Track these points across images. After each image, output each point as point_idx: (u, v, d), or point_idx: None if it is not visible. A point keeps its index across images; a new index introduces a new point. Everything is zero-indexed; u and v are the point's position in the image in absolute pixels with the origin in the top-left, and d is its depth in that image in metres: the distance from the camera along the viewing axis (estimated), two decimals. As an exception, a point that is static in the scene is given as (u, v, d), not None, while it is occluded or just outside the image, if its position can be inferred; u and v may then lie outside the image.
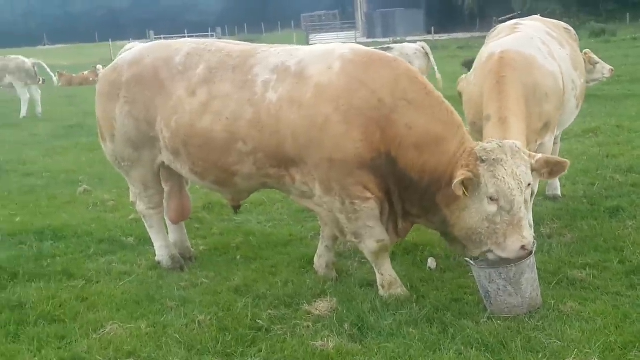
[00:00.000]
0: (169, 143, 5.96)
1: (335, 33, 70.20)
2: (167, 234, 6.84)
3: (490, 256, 5.25)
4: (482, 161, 5.10)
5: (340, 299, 5.56)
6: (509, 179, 5.06)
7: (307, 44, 55.46)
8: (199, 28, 70.73)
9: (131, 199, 6.75)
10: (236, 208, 6.52)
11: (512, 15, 59.73)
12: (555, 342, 4.67)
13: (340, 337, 4.94)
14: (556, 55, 6.77)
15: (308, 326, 5.16)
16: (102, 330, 5.23)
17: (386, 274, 5.66)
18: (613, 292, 5.46)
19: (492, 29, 8.00)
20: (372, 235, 5.53)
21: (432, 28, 59.37)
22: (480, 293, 5.37)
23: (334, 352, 4.74)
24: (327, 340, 4.86)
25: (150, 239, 7.22)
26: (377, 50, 5.85)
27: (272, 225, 8.07)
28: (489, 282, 5.22)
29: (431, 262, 6.41)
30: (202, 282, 6.23)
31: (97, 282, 6.32)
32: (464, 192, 5.05)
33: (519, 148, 5.19)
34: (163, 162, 6.27)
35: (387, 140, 5.27)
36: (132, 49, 6.40)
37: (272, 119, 5.50)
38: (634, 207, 7.50)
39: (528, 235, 5.15)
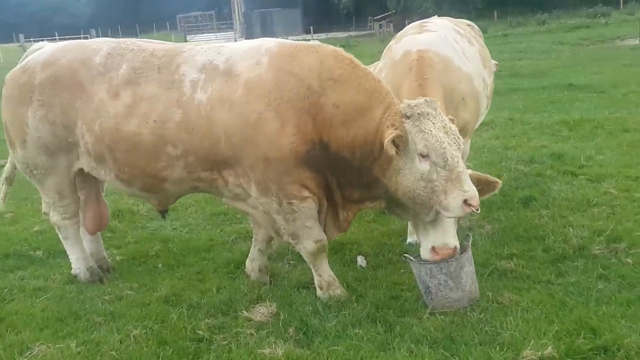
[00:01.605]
0: (92, 149, 5.62)
1: (213, 34, 69.49)
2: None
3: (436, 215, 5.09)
4: (407, 117, 4.96)
5: (280, 303, 5.43)
6: (438, 131, 4.88)
7: (185, 43, 54.41)
8: (70, 31, 68.00)
9: (43, 209, 6.33)
10: (163, 213, 6.23)
11: (387, 14, 61.51)
12: (502, 332, 4.72)
13: (286, 343, 4.81)
14: (468, 54, 6.67)
15: (251, 334, 5.00)
16: (29, 353, 4.86)
17: (324, 275, 5.56)
18: (544, 280, 5.61)
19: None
20: (310, 236, 5.42)
21: (311, 28, 59.73)
22: (420, 289, 5.37)
23: (284, 359, 4.61)
24: (275, 347, 4.72)
25: (62, 251, 6.85)
26: (302, 42, 5.72)
27: (189, 231, 7.80)
28: (430, 278, 5.23)
29: (361, 260, 6.38)
30: (127, 294, 5.92)
31: (11, 300, 5.88)
32: (397, 152, 4.90)
33: None
34: (81, 169, 5.91)
35: (318, 126, 5.15)
36: (43, 49, 5.97)
37: (203, 120, 5.28)
38: (545, 196, 7.77)
39: (470, 188, 4.89)
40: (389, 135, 4.90)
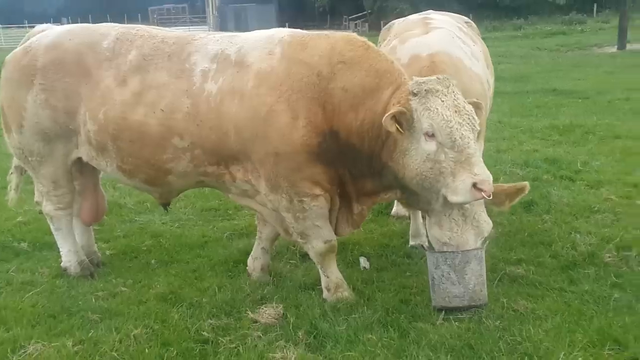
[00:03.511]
0: (95, 137, 5.34)
1: (187, 27, 68.82)
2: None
3: (447, 203, 4.78)
4: (414, 94, 4.67)
5: (286, 304, 5.20)
6: (446, 110, 4.58)
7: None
8: (40, 19, 66.82)
9: (36, 198, 6.01)
10: (165, 206, 5.97)
11: (362, 13, 61.41)
12: (523, 342, 4.55)
13: (297, 347, 4.59)
14: (475, 53, 6.36)
15: (259, 336, 4.76)
16: (22, 351, 4.59)
17: (332, 276, 5.34)
18: (556, 288, 5.44)
19: (390, 23, 7.54)
20: (320, 236, 5.19)
21: (287, 24, 59.37)
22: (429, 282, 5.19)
23: (297, 364, 4.38)
24: (286, 351, 4.49)
25: (48, 243, 6.65)
26: (316, 31, 5.48)
27: (180, 226, 7.53)
28: (435, 268, 5.04)
29: (364, 262, 6.18)
30: (121, 291, 5.65)
31: (-2, 295, 5.57)
32: (398, 129, 4.61)
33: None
34: (79, 158, 5.62)
35: (328, 115, 4.89)
36: (47, 32, 5.66)
37: (212, 113, 5.04)
38: (545, 201, 7.63)
39: (481, 171, 4.56)
40: (389, 110, 4.64)
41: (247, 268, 5.91)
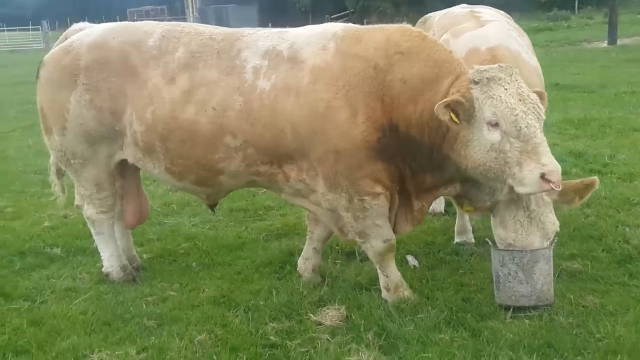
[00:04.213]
0: (142, 138, 5.15)
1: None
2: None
3: (514, 194, 4.63)
4: (475, 83, 4.51)
5: (348, 306, 5.03)
6: (509, 98, 4.41)
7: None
8: (17, 22, 66.11)
9: (76, 202, 5.80)
10: (212, 207, 5.79)
11: (344, 12, 61.30)
12: (603, 339, 4.43)
13: (370, 350, 4.43)
14: (530, 47, 6.23)
15: (327, 339, 4.59)
16: (87, 362, 4.38)
17: (392, 276, 5.19)
18: (618, 282, 5.34)
19: (424, 18, 7.37)
20: (379, 235, 5.05)
21: (270, 24, 59.16)
22: (493, 279, 5.08)
23: (375, 367, 4.23)
24: (361, 354, 4.34)
25: (81, 248, 6.62)
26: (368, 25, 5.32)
27: (212, 228, 7.34)
28: (501, 266, 4.92)
29: (412, 260, 6.04)
30: (169, 295, 5.48)
31: (43, 302, 5.39)
32: (452, 118, 4.45)
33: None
34: (123, 160, 5.44)
35: (386, 108, 4.74)
36: (88, 30, 5.46)
37: (266, 110, 4.87)
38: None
39: (549, 161, 4.37)
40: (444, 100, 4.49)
41: (297, 269, 5.74)
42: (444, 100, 4.45)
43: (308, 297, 5.26)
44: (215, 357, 4.39)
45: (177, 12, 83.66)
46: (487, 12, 6.63)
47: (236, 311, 5.08)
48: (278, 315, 4.99)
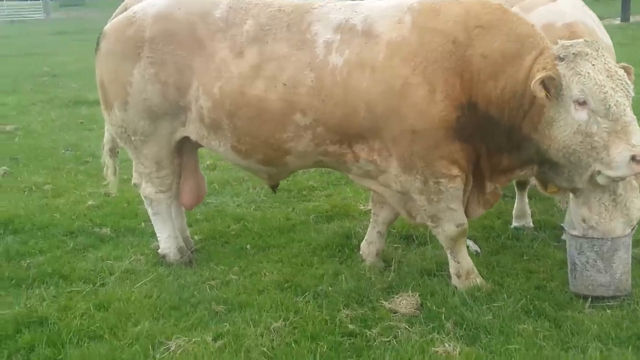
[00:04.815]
0: (209, 114, 4.99)
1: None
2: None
3: (601, 179, 4.42)
4: (561, 59, 4.36)
5: (420, 293, 4.90)
6: (598, 74, 4.24)
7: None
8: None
9: (134, 180, 5.66)
10: (274, 187, 5.65)
11: None
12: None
13: (454, 340, 4.30)
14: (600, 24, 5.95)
15: (406, 328, 4.47)
16: (164, 348, 4.26)
17: (463, 262, 5.06)
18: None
19: None
20: (452, 219, 4.91)
21: None
22: (568, 266, 4.96)
23: (462, 359, 4.10)
24: (447, 345, 4.20)
25: (130, 228, 6.57)
26: None
27: (257, 209, 7.21)
28: (578, 253, 4.80)
29: (473, 245, 5.89)
30: (232, 279, 5.35)
31: (104, 285, 5.26)
32: (547, 95, 4.31)
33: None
34: (185, 137, 5.28)
35: (465, 85, 4.57)
36: (151, 1, 5.26)
37: (339, 87, 4.71)
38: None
39: (639, 141, 4.23)
40: (537, 75, 4.32)
41: (360, 253, 5.62)
42: (538, 77, 4.29)
43: (377, 283, 5.13)
44: (295, 346, 4.26)
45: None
46: None
47: (305, 297, 4.94)
48: (349, 302, 4.86)
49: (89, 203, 7.12)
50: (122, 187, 7.45)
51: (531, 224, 6.27)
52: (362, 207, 6.95)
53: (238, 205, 7.32)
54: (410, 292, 4.89)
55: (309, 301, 4.87)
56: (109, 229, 6.44)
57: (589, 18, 5.61)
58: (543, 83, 4.30)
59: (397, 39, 4.68)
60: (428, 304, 4.75)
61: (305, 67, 4.78)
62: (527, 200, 6.26)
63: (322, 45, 4.80)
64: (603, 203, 4.69)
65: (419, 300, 4.80)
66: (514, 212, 6.35)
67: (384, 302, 4.80)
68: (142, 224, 6.55)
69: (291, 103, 4.80)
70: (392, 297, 4.86)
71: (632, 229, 4.80)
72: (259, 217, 6.85)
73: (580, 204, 4.80)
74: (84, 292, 5.07)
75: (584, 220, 4.78)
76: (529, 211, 6.30)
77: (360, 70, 4.69)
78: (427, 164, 4.71)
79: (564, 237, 5.88)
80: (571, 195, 4.91)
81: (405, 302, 4.77)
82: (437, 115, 4.57)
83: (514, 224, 6.32)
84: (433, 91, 4.56)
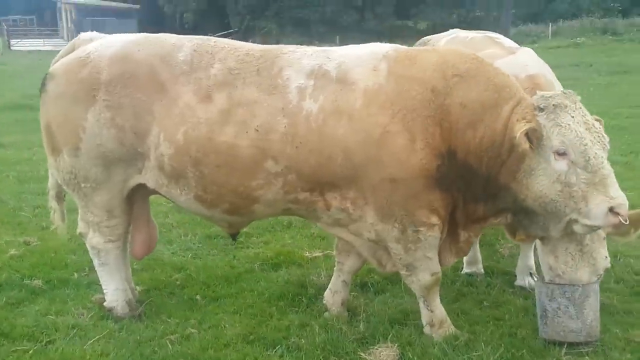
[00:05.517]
0: (170, 162, 4.68)
1: (41, 39, 65.85)
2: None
3: (577, 228, 4.43)
4: (541, 110, 4.39)
5: (399, 343, 4.73)
6: (577, 126, 4.29)
7: (9, 48, 51.13)
8: None
9: (80, 229, 5.19)
10: (234, 236, 5.34)
11: (228, 31, 60.77)
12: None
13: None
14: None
15: (391, 381, 4.28)
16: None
17: (437, 311, 4.95)
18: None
19: (422, 40, 7.36)
20: (428, 268, 4.80)
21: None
22: (537, 312, 4.95)
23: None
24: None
25: (61, 279, 6.09)
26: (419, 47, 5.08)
27: (195, 256, 6.85)
28: (549, 300, 4.80)
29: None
30: (191, 333, 4.99)
31: (51, 342, 4.78)
32: (531, 146, 4.31)
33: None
34: (139, 185, 4.95)
35: (445, 134, 4.50)
36: (105, 41, 4.93)
37: (314, 134, 4.53)
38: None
39: (617, 194, 4.26)
40: (520, 127, 4.32)
41: (324, 302, 5.40)
42: (523, 129, 4.29)
43: (349, 334, 4.92)
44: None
45: (47, 23, 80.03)
46: (502, 37, 6.60)
47: (276, 350, 4.69)
48: (327, 354, 4.64)
49: (11, 253, 6.52)
50: (44, 236, 6.95)
51: (482, 270, 6.26)
52: (307, 255, 6.73)
53: (173, 253, 6.91)
54: (389, 342, 4.72)
55: (283, 354, 4.64)
56: (40, 280, 5.90)
57: (548, 71, 5.73)
58: (527, 135, 4.31)
59: (374, 86, 4.57)
60: (410, 355, 4.59)
61: (278, 112, 4.58)
62: (478, 246, 6.26)
63: (295, 90, 4.62)
64: (570, 252, 4.75)
65: (398, 351, 4.63)
66: (465, 258, 6.31)
67: (362, 354, 4.61)
68: (75, 274, 6.08)
69: (263, 150, 4.57)
70: (370, 349, 4.67)
71: (598, 278, 4.86)
72: (200, 266, 6.50)
73: (547, 252, 4.84)
74: (31, 351, 4.58)
75: (550, 269, 4.84)
76: (480, 257, 6.30)
77: (336, 118, 4.54)
78: (406, 212, 4.59)
79: (517, 282, 5.95)
80: (538, 242, 4.93)
81: (385, 354, 4.60)
82: (417, 164, 4.47)
83: (466, 270, 6.29)
84: (413, 140, 4.47)
